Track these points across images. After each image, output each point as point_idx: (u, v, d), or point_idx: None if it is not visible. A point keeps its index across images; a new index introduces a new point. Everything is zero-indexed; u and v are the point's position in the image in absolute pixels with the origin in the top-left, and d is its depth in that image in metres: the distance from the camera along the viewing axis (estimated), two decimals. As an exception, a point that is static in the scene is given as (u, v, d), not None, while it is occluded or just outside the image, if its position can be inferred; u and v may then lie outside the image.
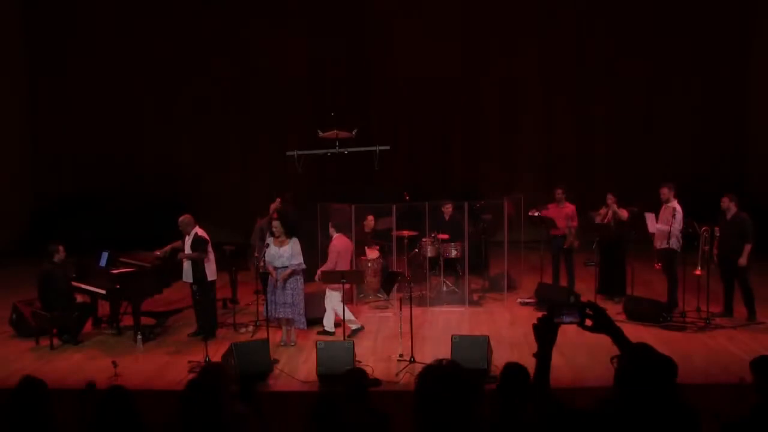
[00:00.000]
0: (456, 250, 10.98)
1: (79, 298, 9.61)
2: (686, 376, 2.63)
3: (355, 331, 9.29)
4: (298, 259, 8.77)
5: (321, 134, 10.82)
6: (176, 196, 15.60)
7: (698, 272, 9.54)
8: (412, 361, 7.93)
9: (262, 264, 9.23)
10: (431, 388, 2.46)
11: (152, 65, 17.05)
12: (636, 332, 8.44)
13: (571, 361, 7.74)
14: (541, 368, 2.80)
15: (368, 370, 7.21)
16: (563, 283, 11.01)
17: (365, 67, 17.09)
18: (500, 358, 7.30)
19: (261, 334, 8.98)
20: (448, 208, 11.50)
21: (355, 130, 10.93)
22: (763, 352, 6.63)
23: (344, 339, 8.47)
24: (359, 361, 7.84)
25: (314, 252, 10.79)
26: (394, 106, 17.02)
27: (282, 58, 17.14)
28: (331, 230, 9.74)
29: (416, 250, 11.27)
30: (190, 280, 9.28)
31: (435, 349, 8.32)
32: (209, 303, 9.41)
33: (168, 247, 9.70)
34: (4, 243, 15.75)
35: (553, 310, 2.80)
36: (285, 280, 8.71)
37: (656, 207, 10.17)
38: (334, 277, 8.72)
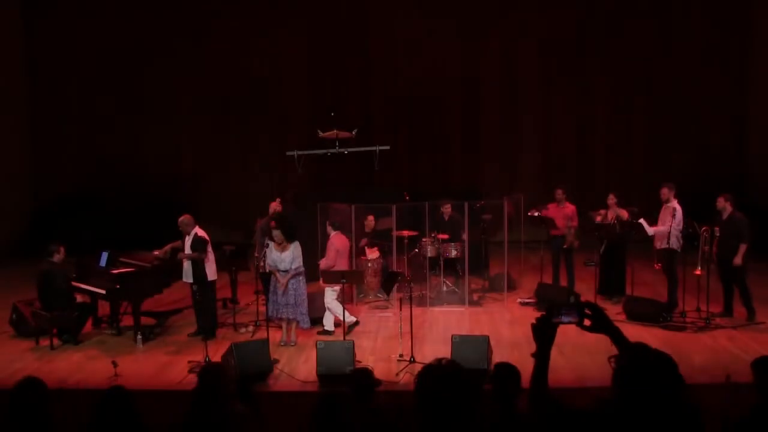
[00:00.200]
0: (456, 250, 10.98)
1: (79, 298, 9.61)
2: (686, 376, 2.61)
3: (351, 327, 9.28)
4: (299, 263, 8.84)
5: (321, 134, 10.84)
6: (176, 196, 15.60)
7: (698, 272, 9.54)
8: (412, 361, 7.93)
9: (262, 264, 9.24)
10: (431, 388, 2.46)
11: (152, 65, 17.04)
12: (636, 332, 8.45)
13: (571, 361, 7.74)
14: (540, 368, 2.80)
15: (368, 370, 7.21)
16: (563, 283, 11.01)
17: (365, 67, 17.10)
18: (500, 358, 7.28)
19: (261, 334, 8.99)
20: (447, 209, 11.49)
21: (355, 130, 10.95)
22: (763, 352, 6.65)
23: (344, 339, 8.47)
24: (359, 361, 7.84)
25: (314, 252, 10.77)
26: (394, 106, 17.03)
27: (282, 58, 17.16)
28: (329, 228, 9.75)
29: (416, 250, 11.28)
30: (190, 280, 9.28)
31: (435, 349, 8.32)
32: (209, 303, 9.41)
33: (167, 247, 9.70)
34: (4, 243, 15.75)
35: (552, 310, 2.80)
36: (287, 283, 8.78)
37: (656, 207, 10.17)
38: (334, 277, 8.73)
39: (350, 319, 9.38)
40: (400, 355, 8.18)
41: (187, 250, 9.24)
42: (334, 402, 3.69)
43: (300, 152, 10.80)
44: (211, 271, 9.31)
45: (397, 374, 7.71)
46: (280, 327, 9.03)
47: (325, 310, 9.41)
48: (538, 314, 2.86)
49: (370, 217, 11.50)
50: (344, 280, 8.65)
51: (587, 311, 2.82)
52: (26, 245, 15.09)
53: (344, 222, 10.29)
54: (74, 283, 9.58)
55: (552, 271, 11.18)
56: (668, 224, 9.75)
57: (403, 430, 4.05)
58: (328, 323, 9.39)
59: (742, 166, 16.39)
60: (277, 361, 8.12)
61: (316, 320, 9.38)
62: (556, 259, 11.15)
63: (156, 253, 9.67)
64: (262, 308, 9.56)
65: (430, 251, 10.99)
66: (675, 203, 9.82)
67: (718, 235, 9.56)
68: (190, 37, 16.98)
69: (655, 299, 9.99)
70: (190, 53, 17.08)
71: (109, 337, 9.49)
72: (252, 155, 17.45)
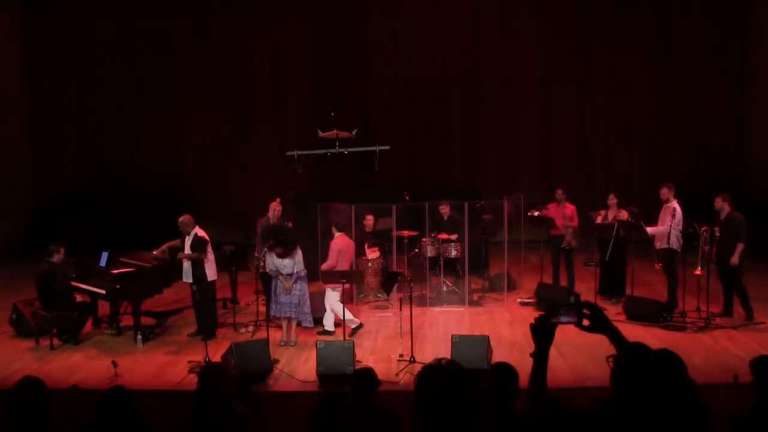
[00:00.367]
0: (456, 250, 10.97)
1: (79, 298, 9.61)
2: (686, 376, 2.60)
3: (355, 330, 9.29)
4: (300, 266, 8.94)
5: (321, 134, 10.83)
6: (176, 196, 15.60)
7: (698, 272, 9.54)
8: (412, 361, 7.94)
9: (262, 264, 9.25)
10: (431, 388, 2.46)
11: (152, 65, 17.04)
12: (636, 332, 8.46)
13: (570, 361, 7.75)
14: (539, 368, 2.80)
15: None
16: (563, 283, 11.01)
17: (365, 67, 17.10)
18: (500, 358, 7.27)
19: (261, 334, 9.00)
20: (445, 209, 11.39)
21: (355, 130, 10.94)
22: (763, 352, 6.64)
23: (344, 339, 8.47)
24: (359, 361, 7.84)
25: (314, 251, 10.78)
26: (394, 106, 17.02)
27: (282, 57, 17.15)
28: (333, 230, 9.75)
29: (416, 250, 11.27)
30: (190, 280, 9.28)
31: (435, 349, 8.33)
32: (209, 303, 9.42)
33: (164, 246, 9.71)
34: (4, 243, 15.74)
35: (550, 310, 2.80)
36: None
37: (656, 207, 10.17)
38: (334, 277, 8.74)
39: (355, 323, 9.38)
40: (400, 355, 8.19)
41: (187, 250, 9.24)
42: (334, 402, 3.69)
43: (300, 152, 10.79)
44: (211, 271, 9.31)
45: (397, 374, 7.71)
46: (280, 327, 9.04)
47: (324, 311, 9.42)
48: (537, 314, 2.86)
49: (370, 217, 11.49)
50: (344, 281, 8.65)
51: (586, 311, 2.82)
52: (26, 245, 15.07)
53: (346, 222, 10.29)
54: (74, 283, 9.58)
55: (552, 271, 11.18)
56: (668, 224, 9.75)
57: (403, 430, 4.05)
58: (329, 323, 9.39)
59: (742, 166, 16.37)
60: (277, 361, 8.13)
61: (317, 320, 9.38)
62: (556, 259, 11.15)
63: (154, 252, 9.67)
64: (262, 308, 9.57)
65: (430, 251, 10.98)
66: (675, 203, 9.82)
67: (718, 235, 9.56)
68: (190, 36, 16.97)
69: (655, 299, 9.99)
70: (190, 53, 17.08)
71: (109, 337, 9.49)
72: (252, 155, 17.45)
